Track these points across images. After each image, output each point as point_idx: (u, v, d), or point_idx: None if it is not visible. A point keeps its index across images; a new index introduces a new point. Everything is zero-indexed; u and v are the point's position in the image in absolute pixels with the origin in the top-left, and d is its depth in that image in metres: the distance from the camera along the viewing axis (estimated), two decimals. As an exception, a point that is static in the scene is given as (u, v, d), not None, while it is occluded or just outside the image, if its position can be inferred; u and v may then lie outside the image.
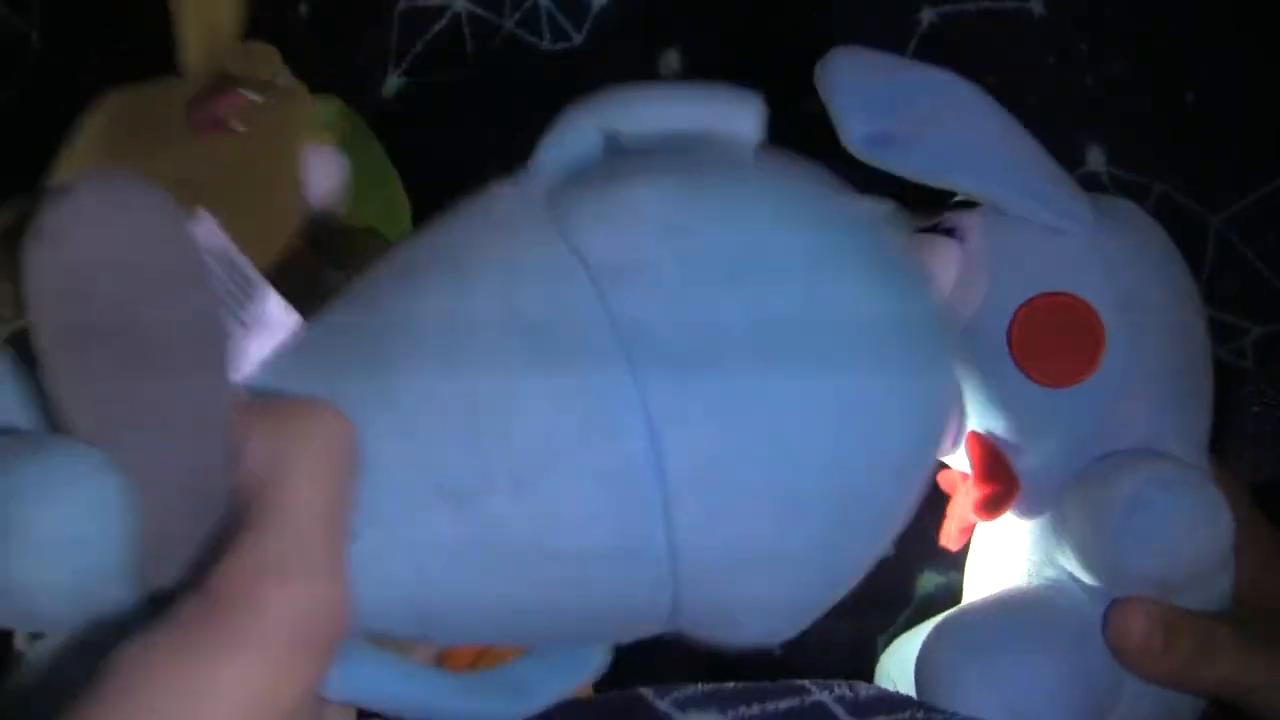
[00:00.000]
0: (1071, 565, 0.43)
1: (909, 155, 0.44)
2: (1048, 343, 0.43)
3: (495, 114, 0.60)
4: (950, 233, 0.45)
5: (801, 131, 0.60)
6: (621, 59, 0.60)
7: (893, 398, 0.29)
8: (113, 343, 0.24)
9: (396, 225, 0.56)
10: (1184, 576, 0.42)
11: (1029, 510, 0.44)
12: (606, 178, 0.30)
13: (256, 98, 0.48)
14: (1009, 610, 0.44)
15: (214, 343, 0.26)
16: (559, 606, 0.29)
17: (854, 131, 0.44)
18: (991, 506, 0.45)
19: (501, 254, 0.29)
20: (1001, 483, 0.44)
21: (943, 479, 0.47)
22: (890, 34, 0.59)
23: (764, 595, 0.30)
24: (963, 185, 0.46)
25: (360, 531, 0.27)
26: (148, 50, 0.61)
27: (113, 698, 0.24)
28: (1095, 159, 0.58)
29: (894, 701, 0.42)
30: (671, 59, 0.60)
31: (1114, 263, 0.44)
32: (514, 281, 0.28)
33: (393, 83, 0.61)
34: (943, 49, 0.59)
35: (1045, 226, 0.44)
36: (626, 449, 0.27)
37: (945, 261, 0.44)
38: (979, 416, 0.45)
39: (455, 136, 0.61)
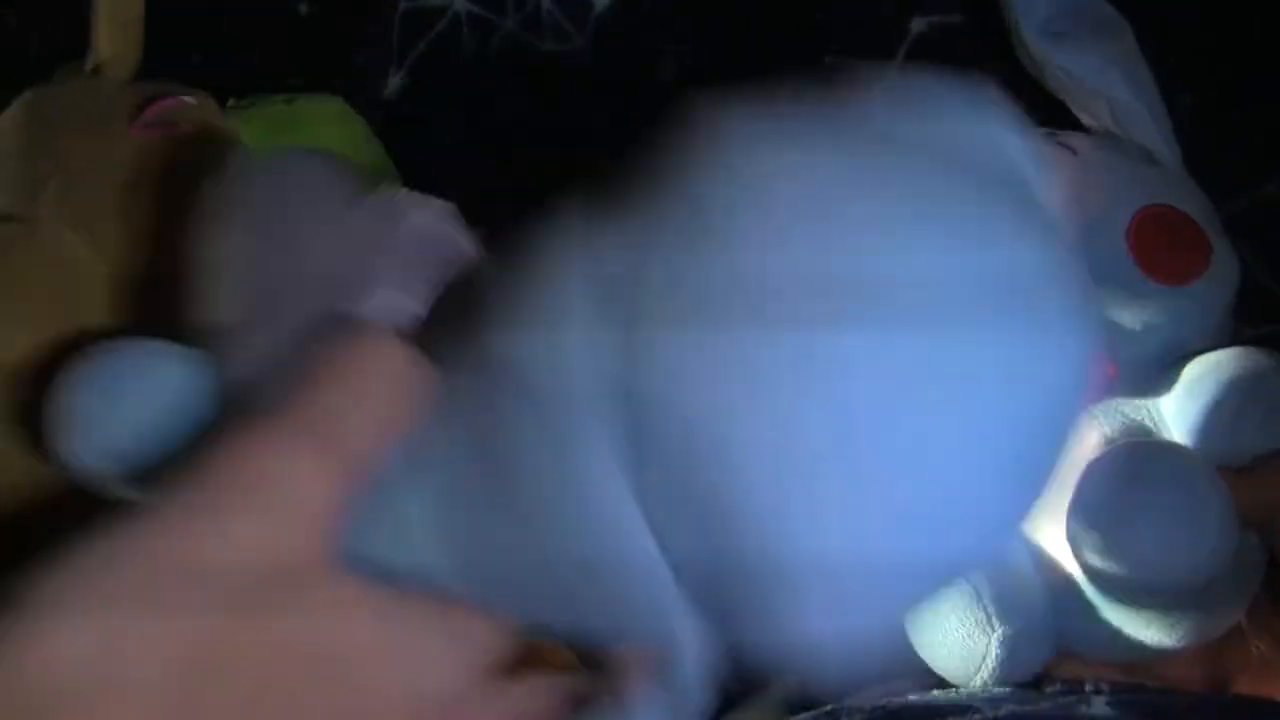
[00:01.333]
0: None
1: (1081, 55, 0.51)
2: (1164, 246, 0.49)
3: (496, 114, 0.60)
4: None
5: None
6: (622, 60, 0.60)
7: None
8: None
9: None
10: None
11: (1123, 393, 0.48)
12: None
13: (191, 99, 0.49)
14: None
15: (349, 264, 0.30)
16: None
17: (1034, 19, 0.51)
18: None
19: None
20: (1099, 369, 0.48)
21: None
22: (882, 41, 0.60)
23: None
24: (1120, 96, 0.51)
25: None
26: (151, 50, 0.61)
27: None
28: (1088, 165, 0.58)
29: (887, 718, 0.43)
30: (670, 60, 0.60)
31: (1196, 192, 0.51)
32: None
33: (394, 83, 0.61)
34: (932, 57, 0.59)
35: (1144, 157, 0.51)
36: None
37: (1063, 167, 0.49)
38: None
39: (456, 137, 0.61)
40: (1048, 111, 0.54)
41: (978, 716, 0.42)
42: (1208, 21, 0.55)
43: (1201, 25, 0.55)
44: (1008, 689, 0.46)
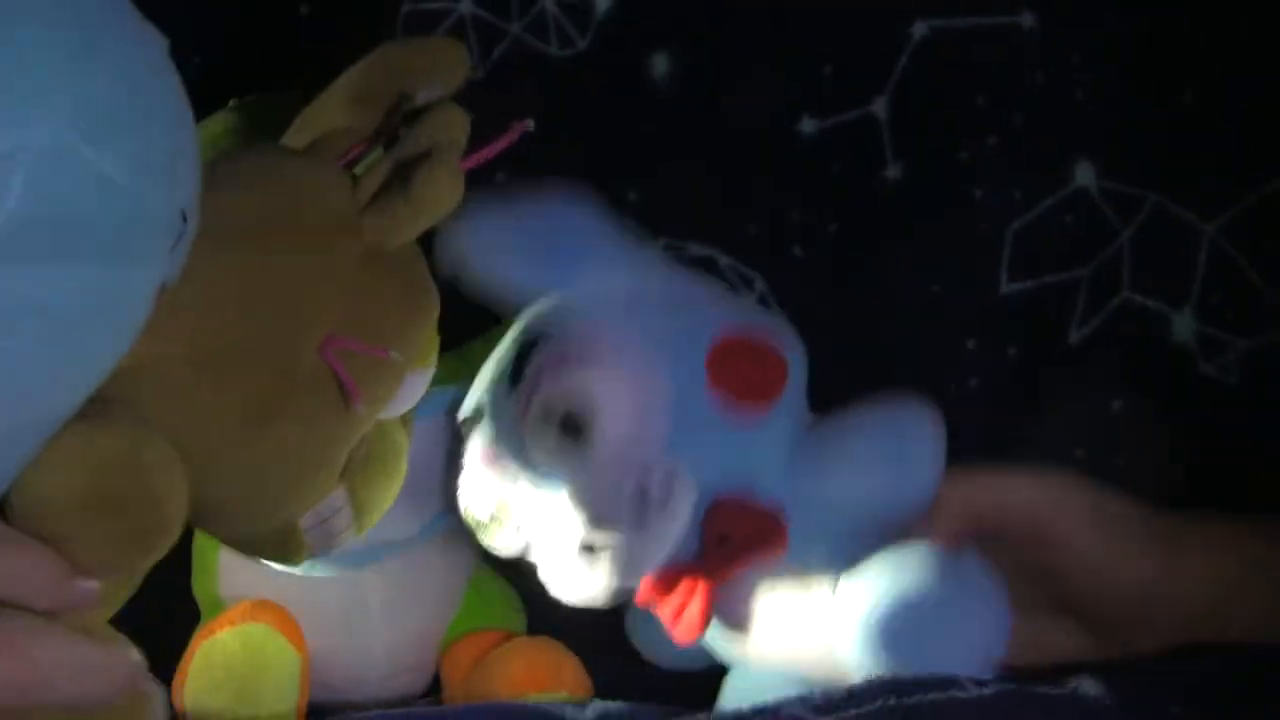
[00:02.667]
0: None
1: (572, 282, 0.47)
2: (742, 376, 0.46)
3: (501, 119, 0.60)
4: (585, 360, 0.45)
5: (799, 147, 0.61)
6: (622, 65, 0.59)
7: None
8: None
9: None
10: None
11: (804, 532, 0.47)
12: None
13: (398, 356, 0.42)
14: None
15: None
16: None
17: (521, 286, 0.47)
18: (776, 555, 0.47)
19: None
20: (774, 529, 0.46)
21: (652, 588, 0.48)
22: (881, 48, 0.60)
23: None
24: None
25: None
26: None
27: None
28: (1084, 174, 0.58)
29: (863, 693, 0.43)
30: (671, 64, 0.60)
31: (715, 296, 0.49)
32: None
33: (398, 85, 0.60)
34: (933, 64, 0.59)
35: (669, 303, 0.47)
36: None
37: (620, 394, 0.45)
38: (718, 479, 0.46)
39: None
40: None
41: (961, 693, 0.42)
42: (1200, 20, 0.55)
43: (1194, 24, 0.55)
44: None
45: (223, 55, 0.60)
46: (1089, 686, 0.44)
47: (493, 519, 0.48)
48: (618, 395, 0.44)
